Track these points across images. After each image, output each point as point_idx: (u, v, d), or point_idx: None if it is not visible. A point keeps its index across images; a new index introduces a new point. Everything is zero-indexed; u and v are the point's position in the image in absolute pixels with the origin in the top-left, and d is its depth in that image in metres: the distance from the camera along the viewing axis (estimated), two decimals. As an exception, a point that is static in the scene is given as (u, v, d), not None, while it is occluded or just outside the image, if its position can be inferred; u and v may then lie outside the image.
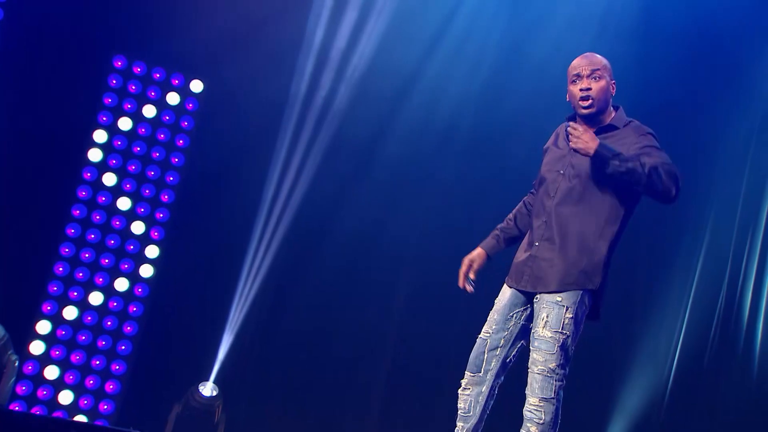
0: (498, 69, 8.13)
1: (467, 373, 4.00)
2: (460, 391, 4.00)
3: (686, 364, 7.80)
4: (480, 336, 4.03)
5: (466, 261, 4.15)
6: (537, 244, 3.97)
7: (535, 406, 3.77)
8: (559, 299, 3.83)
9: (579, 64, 4.03)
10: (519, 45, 8.10)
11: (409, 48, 8.08)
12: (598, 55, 4.07)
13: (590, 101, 3.97)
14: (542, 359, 3.79)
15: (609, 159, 3.76)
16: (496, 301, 4.07)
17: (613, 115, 4.04)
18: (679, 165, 8.38)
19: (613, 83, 4.05)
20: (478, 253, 4.18)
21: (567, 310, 3.82)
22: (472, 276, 4.12)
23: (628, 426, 7.73)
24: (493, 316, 4.03)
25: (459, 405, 3.99)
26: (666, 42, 8.09)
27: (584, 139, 3.79)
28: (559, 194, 3.95)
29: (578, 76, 4.00)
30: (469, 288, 4.10)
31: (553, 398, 3.76)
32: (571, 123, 3.92)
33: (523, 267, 3.99)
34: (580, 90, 3.98)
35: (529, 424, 3.78)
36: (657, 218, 8.17)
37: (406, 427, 7.85)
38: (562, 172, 3.98)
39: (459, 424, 3.98)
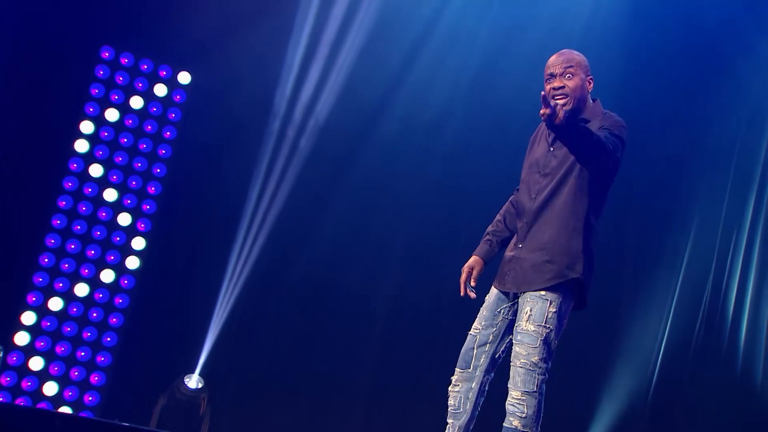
0: (484, 69, 8.14)
1: (457, 370, 4.02)
2: (450, 388, 4.02)
3: (670, 360, 7.84)
4: (470, 332, 4.06)
5: (465, 269, 4.16)
6: (520, 245, 4.01)
7: (518, 400, 3.79)
8: (543, 293, 3.86)
9: (552, 62, 4.05)
10: (505, 45, 8.10)
11: (396, 44, 8.08)
12: (574, 52, 4.08)
13: (563, 100, 3.97)
14: (525, 353, 3.81)
15: (576, 124, 3.73)
16: (486, 298, 4.10)
17: (589, 108, 4.06)
18: (667, 161, 8.46)
19: (590, 79, 4.07)
20: (475, 260, 4.19)
21: (551, 304, 3.85)
22: (472, 283, 4.14)
23: (612, 421, 7.76)
24: (483, 312, 4.07)
25: (449, 402, 4.01)
26: (653, 40, 8.12)
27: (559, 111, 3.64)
28: (540, 195, 3.99)
29: (552, 75, 4.02)
30: (472, 294, 4.12)
31: (535, 392, 3.78)
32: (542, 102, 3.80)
33: (506, 268, 4.03)
34: (553, 89, 3.99)
35: (511, 418, 3.79)
36: (643, 214, 8.21)
37: (393, 420, 7.86)
38: (541, 172, 4.02)
39: (449, 420, 3.99)
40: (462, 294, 4.13)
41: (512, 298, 4.01)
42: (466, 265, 4.17)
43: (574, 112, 3.98)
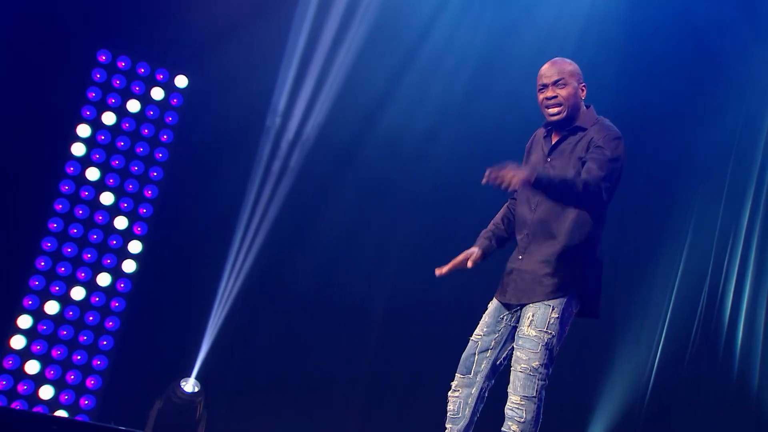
0: (479, 74, 8.14)
1: (457, 375, 4.03)
2: (449, 393, 4.03)
3: (667, 366, 7.84)
4: (471, 338, 4.06)
5: (462, 253, 4.13)
6: (521, 257, 4.01)
7: (517, 405, 3.79)
8: (545, 300, 3.86)
9: (544, 72, 4.06)
10: (500, 50, 8.11)
11: (392, 48, 8.09)
12: (566, 61, 4.09)
13: (556, 110, 4.00)
14: (525, 357, 3.81)
15: (549, 182, 3.75)
16: (488, 305, 4.10)
17: (582, 115, 4.06)
18: (663, 166, 8.47)
19: (583, 86, 4.07)
20: (475, 248, 4.16)
21: (553, 310, 3.85)
22: (470, 265, 4.09)
23: (609, 426, 7.76)
24: (485, 319, 4.07)
25: (448, 407, 4.01)
26: (650, 42, 8.13)
27: (510, 176, 3.69)
28: (540, 206, 3.98)
29: (544, 85, 4.04)
30: (445, 270, 4.08)
31: (534, 397, 3.79)
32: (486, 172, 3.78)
33: (507, 280, 4.03)
34: (546, 99, 4.01)
35: (510, 423, 3.80)
36: (640, 218, 8.22)
37: (391, 424, 7.86)
38: None
39: (448, 425, 4.00)
40: (441, 271, 4.10)
41: (514, 308, 4.01)
42: (465, 251, 4.13)
43: (570, 120, 4.00)
